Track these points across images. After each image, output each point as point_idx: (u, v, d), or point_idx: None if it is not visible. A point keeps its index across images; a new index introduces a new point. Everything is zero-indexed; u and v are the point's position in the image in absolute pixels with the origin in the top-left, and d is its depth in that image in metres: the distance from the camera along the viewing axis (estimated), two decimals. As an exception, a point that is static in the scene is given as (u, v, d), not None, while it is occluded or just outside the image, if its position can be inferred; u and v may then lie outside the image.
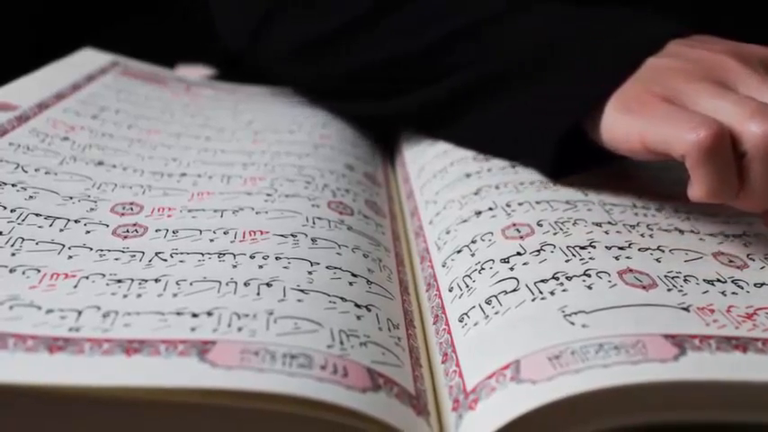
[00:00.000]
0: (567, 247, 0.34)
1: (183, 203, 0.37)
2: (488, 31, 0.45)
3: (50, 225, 0.33)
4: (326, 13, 0.50)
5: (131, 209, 0.36)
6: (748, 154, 0.32)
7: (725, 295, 0.31)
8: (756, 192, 0.33)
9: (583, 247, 0.34)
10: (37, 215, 0.34)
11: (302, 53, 0.52)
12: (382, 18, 0.48)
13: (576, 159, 0.41)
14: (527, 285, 0.32)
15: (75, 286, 0.29)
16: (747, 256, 0.35)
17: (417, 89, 0.48)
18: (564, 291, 0.31)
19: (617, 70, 0.38)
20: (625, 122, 0.36)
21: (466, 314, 0.32)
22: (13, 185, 0.36)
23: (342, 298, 0.31)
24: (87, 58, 0.56)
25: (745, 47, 0.37)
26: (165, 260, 0.32)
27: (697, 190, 0.33)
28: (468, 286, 0.33)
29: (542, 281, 0.32)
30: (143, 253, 0.32)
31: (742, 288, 0.32)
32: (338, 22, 0.49)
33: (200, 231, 0.34)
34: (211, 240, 0.34)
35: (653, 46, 0.39)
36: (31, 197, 0.35)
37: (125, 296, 0.29)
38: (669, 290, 0.31)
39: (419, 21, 0.47)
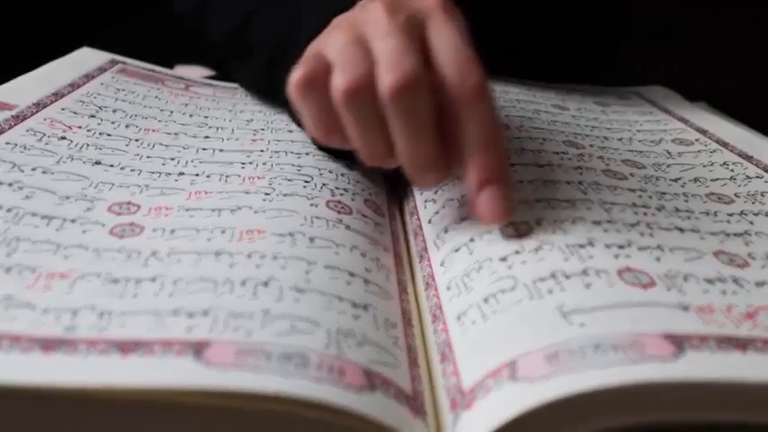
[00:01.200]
0: (567, 245, 0.34)
1: (180, 203, 0.37)
2: (266, 14, 0.49)
3: (47, 225, 0.33)
4: None
5: (128, 208, 0.36)
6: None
7: (725, 294, 0.31)
8: (350, 135, 0.35)
9: (582, 246, 0.34)
10: (33, 215, 0.34)
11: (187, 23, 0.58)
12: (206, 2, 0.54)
13: None
14: (525, 284, 0.31)
15: (71, 286, 0.29)
16: (748, 254, 0.35)
17: (249, 62, 0.52)
18: (562, 290, 0.31)
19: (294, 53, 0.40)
20: None
21: (464, 313, 0.32)
22: (9, 185, 0.36)
23: (339, 297, 0.31)
24: (85, 57, 0.56)
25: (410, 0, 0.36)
26: (162, 260, 0.31)
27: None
28: (466, 285, 0.33)
29: (540, 279, 0.32)
30: (139, 252, 0.32)
31: (742, 287, 0.32)
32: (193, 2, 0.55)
33: (198, 231, 0.34)
34: (208, 240, 0.33)
35: (315, 28, 0.39)
36: (27, 197, 0.35)
37: (121, 296, 0.29)
38: (668, 289, 0.31)
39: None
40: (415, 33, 0.34)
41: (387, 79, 0.32)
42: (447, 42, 0.34)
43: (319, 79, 0.34)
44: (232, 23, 0.51)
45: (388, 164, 0.36)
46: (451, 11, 0.35)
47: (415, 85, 0.32)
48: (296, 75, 0.34)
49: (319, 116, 0.35)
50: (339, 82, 0.33)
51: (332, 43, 0.35)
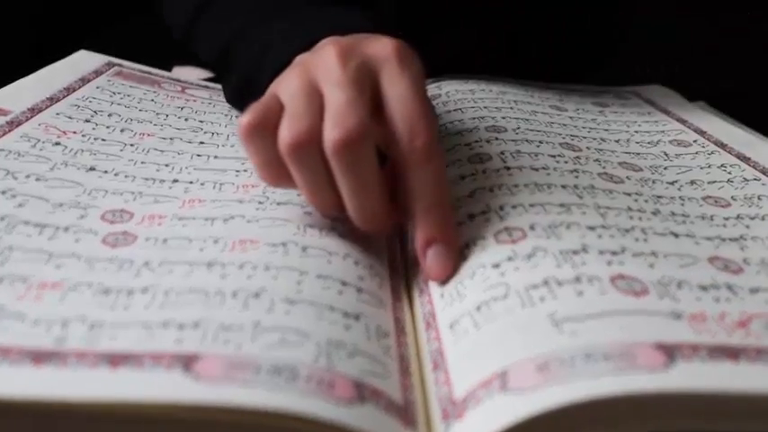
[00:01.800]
0: (560, 251, 0.34)
1: (173, 211, 0.37)
2: (245, 39, 0.49)
3: (39, 233, 0.33)
4: (177, 12, 0.57)
5: (121, 216, 0.36)
6: None
7: (718, 302, 0.31)
8: (297, 184, 0.35)
9: (575, 252, 0.34)
10: (26, 223, 0.34)
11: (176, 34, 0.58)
12: (196, 20, 0.54)
13: None
14: (517, 291, 0.31)
15: (63, 297, 0.29)
16: (743, 260, 0.35)
17: (228, 79, 0.52)
18: (554, 297, 0.30)
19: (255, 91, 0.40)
20: None
21: (456, 321, 0.32)
22: (2, 193, 0.35)
23: (330, 308, 0.31)
24: (82, 61, 0.56)
25: (365, 45, 0.36)
26: (154, 270, 0.31)
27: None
28: (459, 293, 0.33)
29: (533, 287, 0.31)
30: (131, 262, 0.32)
31: (736, 294, 0.32)
32: (184, 19, 0.56)
33: (190, 240, 0.34)
34: (201, 250, 0.33)
35: (278, 64, 0.40)
36: (20, 205, 0.35)
37: (112, 307, 0.29)
38: (661, 297, 0.31)
39: (216, 24, 0.53)
40: (366, 83, 0.34)
41: (331, 134, 0.33)
42: (399, 95, 0.34)
43: (268, 125, 0.34)
44: (219, 41, 0.51)
45: (339, 213, 0.36)
46: (407, 58, 0.35)
47: (358, 141, 0.32)
48: (244, 119, 0.34)
49: (267, 162, 0.35)
50: (285, 135, 0.33)
51: (285, 86, 0.35)
